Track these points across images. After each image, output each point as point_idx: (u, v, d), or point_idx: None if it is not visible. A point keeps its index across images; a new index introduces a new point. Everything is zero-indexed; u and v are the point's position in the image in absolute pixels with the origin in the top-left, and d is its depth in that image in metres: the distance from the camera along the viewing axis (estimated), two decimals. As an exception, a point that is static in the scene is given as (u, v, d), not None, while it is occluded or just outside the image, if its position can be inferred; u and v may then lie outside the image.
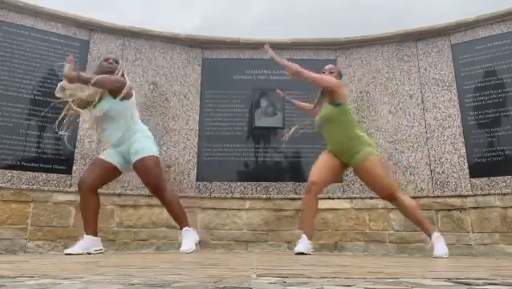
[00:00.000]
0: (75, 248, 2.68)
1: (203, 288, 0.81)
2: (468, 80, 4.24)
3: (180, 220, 2.91)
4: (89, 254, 2.69)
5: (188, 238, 2.85)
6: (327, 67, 3.23)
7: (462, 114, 4.17)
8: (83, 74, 2.83)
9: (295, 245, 2.83)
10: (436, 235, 2.80)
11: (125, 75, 2.99)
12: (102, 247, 2.86)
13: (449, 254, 2.83)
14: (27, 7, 4.19)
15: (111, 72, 2.90)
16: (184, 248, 2.80)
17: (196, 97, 4.62)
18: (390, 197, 2.90)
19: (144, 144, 2.89)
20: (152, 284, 0.86)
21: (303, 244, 2.79)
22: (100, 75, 2.81)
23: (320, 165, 3.01)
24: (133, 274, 1.16)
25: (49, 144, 3.99)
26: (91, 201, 2.81)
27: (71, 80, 2.82)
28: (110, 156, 2.89)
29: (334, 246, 3.90)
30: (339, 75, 3.21)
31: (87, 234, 2.78)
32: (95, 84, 2.78)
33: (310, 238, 2.86)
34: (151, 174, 2.85)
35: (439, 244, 2.77)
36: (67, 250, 2.71)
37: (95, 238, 2.80)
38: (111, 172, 2.91)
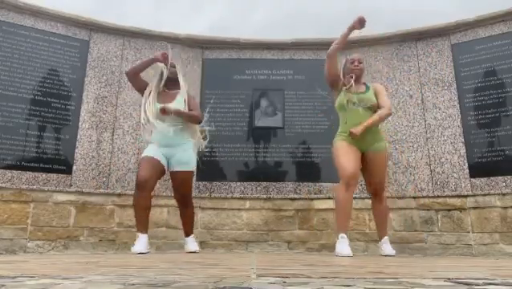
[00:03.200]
0: (142, 246, 2.74)
1: (203, 288, 0.81)
2: (468, 80, 4.24)
3: (191, 228, 3.17)
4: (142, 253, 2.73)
5: (194, 243, 3.15)
6: (357, 56, 3.18)
7: (462, 114, 4.17)
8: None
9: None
10: (387, 238, 3.03)
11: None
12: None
13: (449, 254, 2.84)
14: (27, 7, 4.19)
15: (175, 75, 3.12)
16: (192, 248, 3.07)
17: (196, 97, 4.61)
18: (382, 191, 3.06)
19: (193, 157, 3.04)
20: (152, 284, 0.86)
21: (346, 243, 2.80)
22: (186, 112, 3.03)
23: (353, 158, 2.91)
24: (133, 274, 1.16)
25: (49, 144, 3.99)
26: (149, 202, 2.91)
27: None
28: (159, 156, 2.96)
29: (334, 246, 3.89)
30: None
31: (144, 232, 2.84)
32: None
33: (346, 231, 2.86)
34: (189, 187, 3.04)
35: (388, 245, 3.02)
36: (138, 250, 2.72)
37: (146, 235, 2.87)
38: (161, 174, 3.00)
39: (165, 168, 3.00)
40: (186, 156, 2.98)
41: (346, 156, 2.90)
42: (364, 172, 3.06)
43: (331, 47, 3.03)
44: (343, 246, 2.77)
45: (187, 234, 3.17)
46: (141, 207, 2.87)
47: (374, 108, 3.00)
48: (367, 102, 3.00)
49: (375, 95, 3.05)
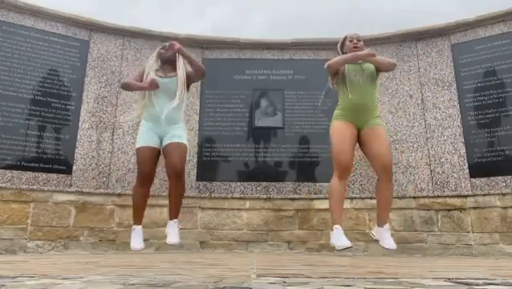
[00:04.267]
0: (140, 241, 2.85)
1: (203, 288, 0.81)
2: (468, 80, 4.24)
3: (177, 211, 3.01)
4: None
5: (176, 230, 2.96)
6: (356, 35, 3.12)
7: (462, 114, 4.17)
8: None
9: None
10: (387, 226, 2.80)
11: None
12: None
13: (449, 254, 2.82)
14: (27, 7, 4.19)
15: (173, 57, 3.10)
16: (172, 240, 2.89)
17: (196, 97, 4.62)
18: (390, 169, 2.78)
19: (186, 135, 3.03)
20: (152, 284, 0.86)
21: (342, 235, 2.74)
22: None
23: (348, 146, 2.85)
24: (133, 274, 1.16)
25: (49, 144, 3.99)
26: (148, 192, 3.00)
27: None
28: (153, 140, 2.97)
29: (334, 246, 3.89)
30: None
31: (140, 223, 2.94)
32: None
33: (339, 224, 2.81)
34: (183, 159, 2.94)
35: (389, 235, 2.79)
36: (138, 247, 2.85)
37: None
38: (158, 158, 3.01)
39: (160, 149, 3.01)
40: (179, 132, 2.98)
41: (341, 145, 2.83)
42: (367, 152, 2.90)
43: (333, 61, 2.96)
44: (338, 236, 2.73)
45: (171, 217, 3.01)
46: (142, 197, 2.95)
47: (373, 77, 2.96)
48: (368, 69, 2.97)
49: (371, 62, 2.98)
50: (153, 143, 2.95)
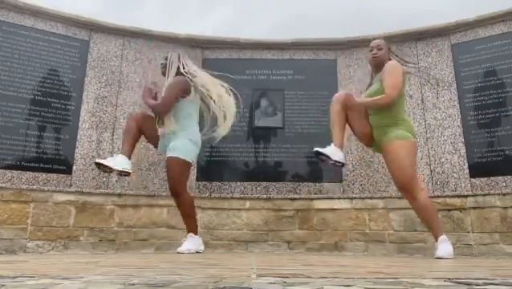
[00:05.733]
0: (108, 161, 2.91)
1: (203, 288, 0.81)
2: (468, 80, 4.24)
3: (188, 225, 3.05)
4: (120, 171, 2.92)
5: (191, 243, 2.97)
6: (375, 43, 2.94)
7: (462, 114, 4.17)
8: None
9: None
10: (442, 238, 2.68)
11: (183, 67, 3.14)
12: (130, 170, 3.02)
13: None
14: (27, 7, 4.19)
15: (164, 72, 3.16)
16: (181, 248, 2.87)
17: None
18: (405, 188, 2.70)
19: (180, 144, 3.00)
20: (152, 284, 0.86)
21: (329, 148, 2.72)
22: (151, 101, 3.07)
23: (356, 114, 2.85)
24: (133, 274, 1.16)
25: (49, 144, 3.99)
26: (133, 129, 3.05)
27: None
28: (162, 148, 3.13)
29: (334, 246, 3.90)
30: (389, 49, 2.98)
31: (121, 153, 3.00)
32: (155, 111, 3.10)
33: (338, 145, 2.75)
34: (174, 174, 2.96)
35: (444, 246, 2.65)
36: (98, 160, 2.97)
37: (125, 156, 2.99)
38: (153, 132, 3.11)
39: (157, 144, 3.14)
40: (176, 143, 3.00)
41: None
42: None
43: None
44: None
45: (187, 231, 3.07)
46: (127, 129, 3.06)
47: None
48: (368, 95, 2.88)
49: (380, 82, 2.80)
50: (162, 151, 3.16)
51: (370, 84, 3.05)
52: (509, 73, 4.05)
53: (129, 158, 2.99)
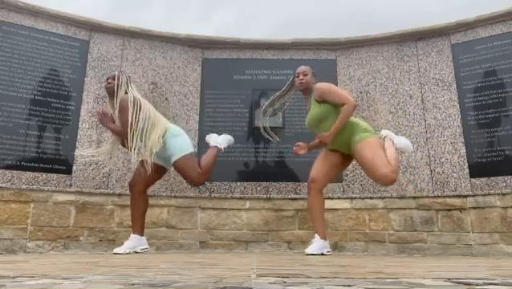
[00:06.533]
0: (123, 247, 2.85)
1: (203, 288, 0.81)
2: (468, 80, 4.24)
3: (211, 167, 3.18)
4: (136, 252, 2.91)
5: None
6: (300, 69, 3.14)
7: (462, 114, 4.17)
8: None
9: (301, 244, 2.87)
10: None
11: (127, 87, 3.10)
12: (148, 246, 3.07)
13: (449, 254, 2.82)
14: (27, 7, 4.19)
15: (111, 90, 3.14)
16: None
17: (196, 97, 4.62)
18: (385, 180, 2.77)
19: (173, 146, 3.06)
20: (152, 284, 0.86)
21: (315, 245, 2.79)
22: (113, 127, 3.13)
23: (318, 162, 3.04)
24: (133, 274, 1.16)
25: (49, 144, 3.99)
26: (141, 202, 3.06)
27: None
28: (158, 160, 3.13)
29: (334, 246, 3.90)
30: (313, 74, 3.16)
31: (134, 233, 2.93)
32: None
33: (323, 237, 2.86)
34: (188, 170, 3.02)
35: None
36: (115, 250, 2.94)
37: (141, 237, 3.02)
38: (157, 171, 3.14)
39: (162, 164, 3.17)
40: (168, 151, 3.06)
41: (314, 163, 3.07)
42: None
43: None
44: (311, 246, 2.84)
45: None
46: (131, 208, 3.14)
47: (317, 120, 2.97)
48: (312, 122, 3.01)
49: (322, 102, 2.96)
50: (155, 160, 3.12)
51: (308, 109, 3.18)
52: (509, 73, 4.06)
53: (143, 235, 3.07)
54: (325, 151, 3.09)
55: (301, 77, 3.09)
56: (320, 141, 3.02)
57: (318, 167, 3.00)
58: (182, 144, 3.09)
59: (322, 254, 2.76)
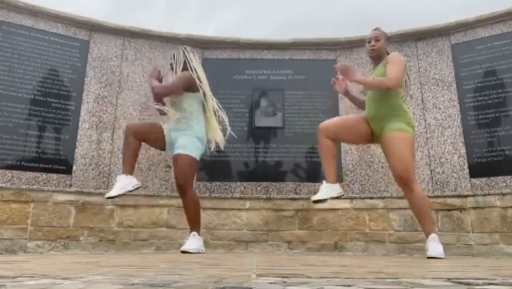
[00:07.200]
0: (114, 190, 2.90)
1: (203, 288, 0.81)
2: (468, 80, 4.24)
3: (192, 223, 3.05)
4: (130, 191, 2.93)
5: (194, 242, 2.97)
6: (372, 34, 2.87)
7: (462, 114, 4.17)
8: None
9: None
10: (433, 236, 2.69)
11: (190, 65, 3.16)
12: (139, 183, 3.05)
13: (449, 254, 2.80)
14: (27, 7, 4.19)
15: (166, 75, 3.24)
16: (188, 247, 2.87)
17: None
18: (404, 181, 2.68)
19: (191, 143, 3.03)
20: (152, 284, 0.86)
21: (323, 189, 2.73)
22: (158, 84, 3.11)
23: (342, 118, 2.93)
24: (133, 274, 1.16)
25: (49, 144, 3.99)
26: (133, 145, 3.02)
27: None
28: (166, 133, 3.11)
29: (334, 246, 3.90)
30: (387, 40, 2.94)
31: (123, 172, 2.99)
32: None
33: (331, 181, 2.77)
34: (183, 171, 2.97)
35: (435, 245, 2.66)
36: (107, 194, 2.93)
37: (129, 176, 2.99)
38: (156, 135, 3.11)
39: (166, 140, 3.12)
40: (183, 140, 3.02)
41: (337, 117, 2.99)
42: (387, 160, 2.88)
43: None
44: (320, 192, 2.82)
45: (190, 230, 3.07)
46: (123, 150, 3.09)
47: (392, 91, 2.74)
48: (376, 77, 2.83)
49: (385, 68, 2.74)
50: (166, 132, 3.11)
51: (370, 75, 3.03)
52: (509, 73, 4.05)
53: (132, 174, 3.03)
54: (357, 116, 2.95)
55: (372, 43, 2.84)
56: (345, 69, 2.76)
57: (338, 120, 2.87)
58: (198, 148, 3.09)
59: (332, 198, 2.69)
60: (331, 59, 4.75)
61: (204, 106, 3.19)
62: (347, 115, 3.01)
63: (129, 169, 2.99)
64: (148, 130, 3.10)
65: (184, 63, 3.18)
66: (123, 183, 2.92)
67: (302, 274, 1.15)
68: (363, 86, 2.95)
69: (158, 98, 3.14)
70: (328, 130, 2.85)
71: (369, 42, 2.90)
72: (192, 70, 3.15)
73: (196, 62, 3.22)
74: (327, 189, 2.75)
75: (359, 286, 0.85)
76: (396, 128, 2.72)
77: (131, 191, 2.93)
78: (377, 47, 2.85)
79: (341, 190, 2.83)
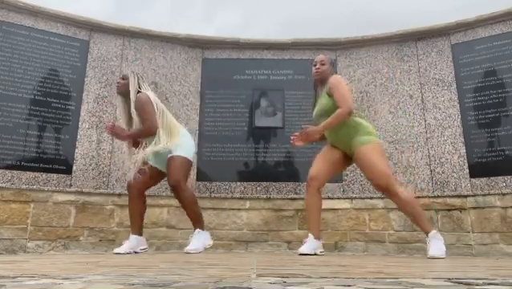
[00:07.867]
0: (123, 248, 2.86)
1: (203, 288, 0.81)
2: (468, 80, 4.24)
3: (194, 221, 3.05)
4: (136, 252, 2.89)
5: (195, 241, 2.96)
6: (318, 58, 3.00)
7: (462, 114, 4.17)
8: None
9: (301, 244, 2.81)
10: (433, 233, 2.69)
11: (138, 87, 3.07)
12: (147, 246, 3.05)
13: (449, 254, 2.80)
14: (27, 7, 4.19)
15: (122, 90, 3.09)
16: (190, 247, 2.87)
17: (196, 97, 4.62)
18: (384, 187, 2.73)
19: (181, 143, 3.02)
20: (152, 284, 0.86)
21: (309, 244, 2.73)
22: (132, 133, 3.06)
23: (319, 159, 2.93)
24: (133, 274, 1.16)
25: (49, 144, 3.99)
26: (138, 205, 3.02)
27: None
28: (151, 160, 3.05)
29: (334, 246, 3.90)
30: (332, 64, 3.02)
31: (133, 233, 2.97)
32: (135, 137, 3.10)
33: (317, 237, 2.82)
34: (175, 170, 2.95)
35: (435, 243, 2.65)
36: (116, 250, 2.90)
37: (140, 237, 2.99)
38: (152, 174, 3.05)
39: (159, 168, 3.08)
40: (174, 145, 2.98)
41: (315, 159, 2.97)
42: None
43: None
44: (304, 245, 2.74)
45: (194, 229, 3.07)
46: (129, 210, 3.06)
47: (325, 113, 2.83)
48: (318, 112, 2.91)
49: (331, 95, 2.83)
50: (152, 162, 3.06)
51: (315, 100, 3.07)
52: (509, 73, 4.06)
53: (141, 235, 3.03)
54: (327, 148, 2.98)
55: (318, 66, 2.93)
56: (305, 135, 2.86)
57: (319, 164, 2.91)
58: (188, 145, 3.07)
59: (315, 254, 2.72)
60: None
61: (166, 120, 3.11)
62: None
63: (138, 230, 3.00)
64: (146, 178, 3.03)
65: (138, 86, 3.09)
66: (133, 244, 2.92)
67: (302, 274, 1.15)
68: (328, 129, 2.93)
69: (135, 141, 3.09)
70: (319, 182, 2.91)
71: (315, 65, 2.99)
72: (145, 89, 3.09)
73: (147, 87, 3.16)
74: (313, 245, 2.76)
75: (359, 286, 0.85)
76: (360, 142, 2.79)
77: (137, 252, 2.93)
78: (321, 70, 2.94)
79: (322, 249, 2.87)
